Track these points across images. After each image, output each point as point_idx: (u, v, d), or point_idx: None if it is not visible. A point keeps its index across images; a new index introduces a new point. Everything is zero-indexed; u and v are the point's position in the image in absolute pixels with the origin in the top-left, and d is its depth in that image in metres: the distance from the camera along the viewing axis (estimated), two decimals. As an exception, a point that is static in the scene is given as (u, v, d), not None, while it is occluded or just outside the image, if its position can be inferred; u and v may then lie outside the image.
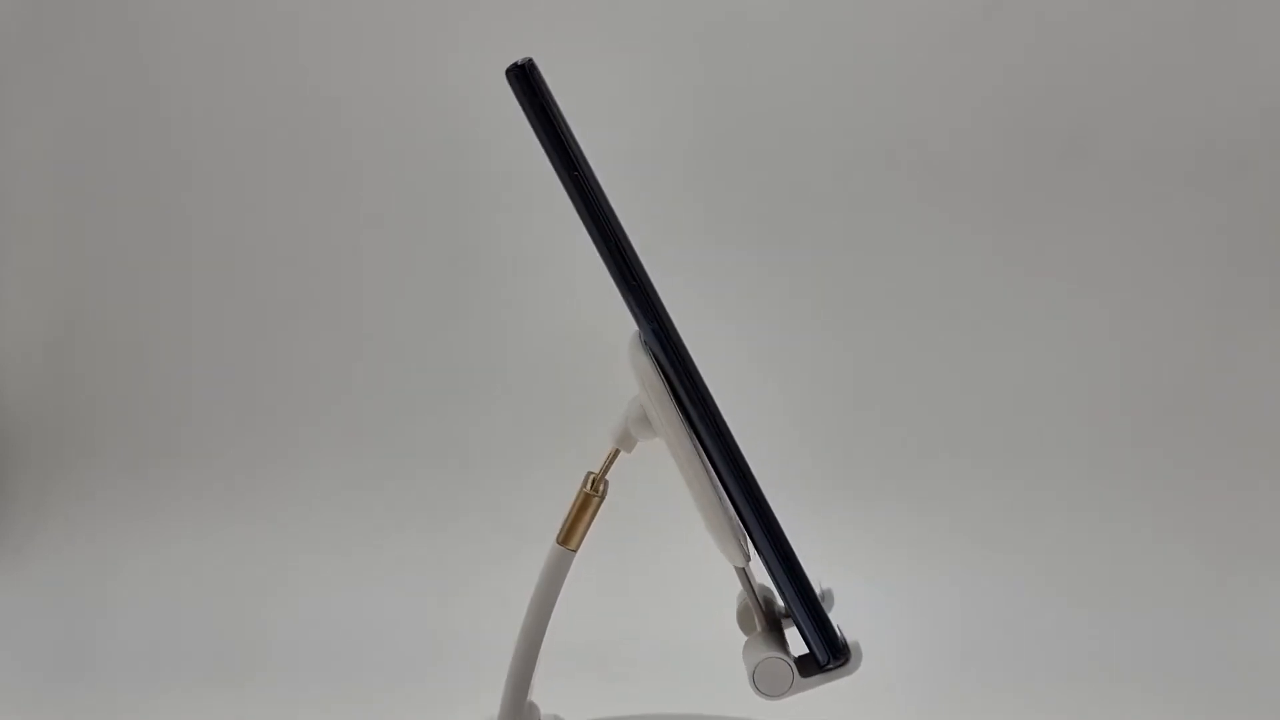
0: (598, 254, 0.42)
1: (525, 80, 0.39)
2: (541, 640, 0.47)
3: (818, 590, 0.44)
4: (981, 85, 0.94)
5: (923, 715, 0.73)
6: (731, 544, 0.42)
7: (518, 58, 0.40)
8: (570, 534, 0.46)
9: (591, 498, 0.46)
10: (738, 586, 0.47)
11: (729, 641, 0.49)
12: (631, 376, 0.43)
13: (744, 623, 0.49)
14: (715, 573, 0.53)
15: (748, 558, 0.43)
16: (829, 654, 0.42)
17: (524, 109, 0.40)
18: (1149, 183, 0.93)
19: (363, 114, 0.99)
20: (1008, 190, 0.94)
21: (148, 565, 0.93)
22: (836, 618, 0.45)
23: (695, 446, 0.42)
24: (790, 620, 0.46)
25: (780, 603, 0.46)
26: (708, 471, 0.42)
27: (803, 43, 0.96)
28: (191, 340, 1.00)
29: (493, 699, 0.71)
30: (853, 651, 0.42)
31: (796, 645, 0.46)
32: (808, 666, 0.43)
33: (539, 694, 0.50)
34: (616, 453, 0.45)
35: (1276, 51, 0.91)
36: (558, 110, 0.40)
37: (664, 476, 0.47)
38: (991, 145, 0.94)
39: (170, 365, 1.00)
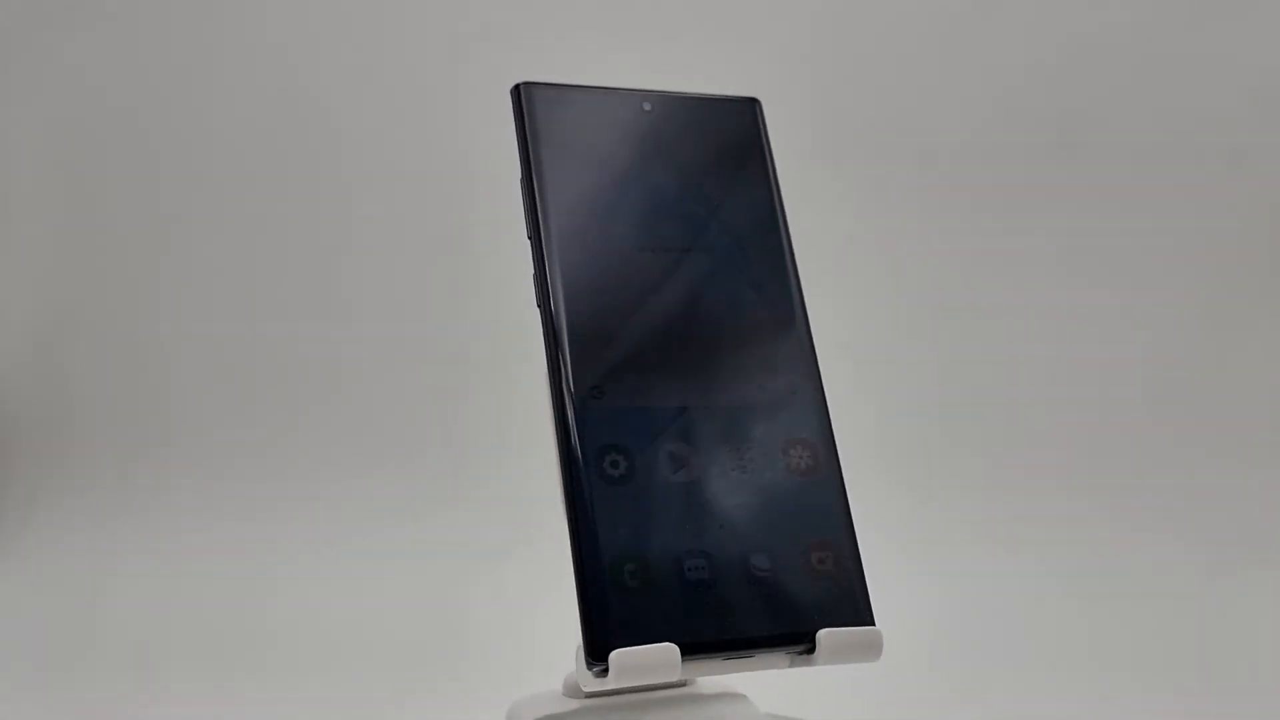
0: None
1: (514, 102, 0.47)
2: None
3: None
4: (974, 78, 0.94)
5: (913, 708, 0.72)
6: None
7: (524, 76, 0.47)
8: None
9: None
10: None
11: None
12: None
13: None
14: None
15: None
16: (589, 656, 0.38)
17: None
18: (1142, 175, 0.93)
19: (359, 107, 0.99)
20: (999, 182, 0.94)
21: (143, 558, 0.93)
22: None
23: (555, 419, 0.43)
24: None
25: None
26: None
27: (795, 38, 0.95)
28: (186, 332, 1.00)
29: (496, 692, 0.71)
30: (611, 666, 0.37)
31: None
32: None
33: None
34: None
35: (1271, 43, 0.91)
36: (526, 134, 0.46)
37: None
38: (982, 137, 0.94)
39: (165, 357, 1.00)
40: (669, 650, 0.37)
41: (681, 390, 0.43)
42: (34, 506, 0.98)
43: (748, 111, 0.50)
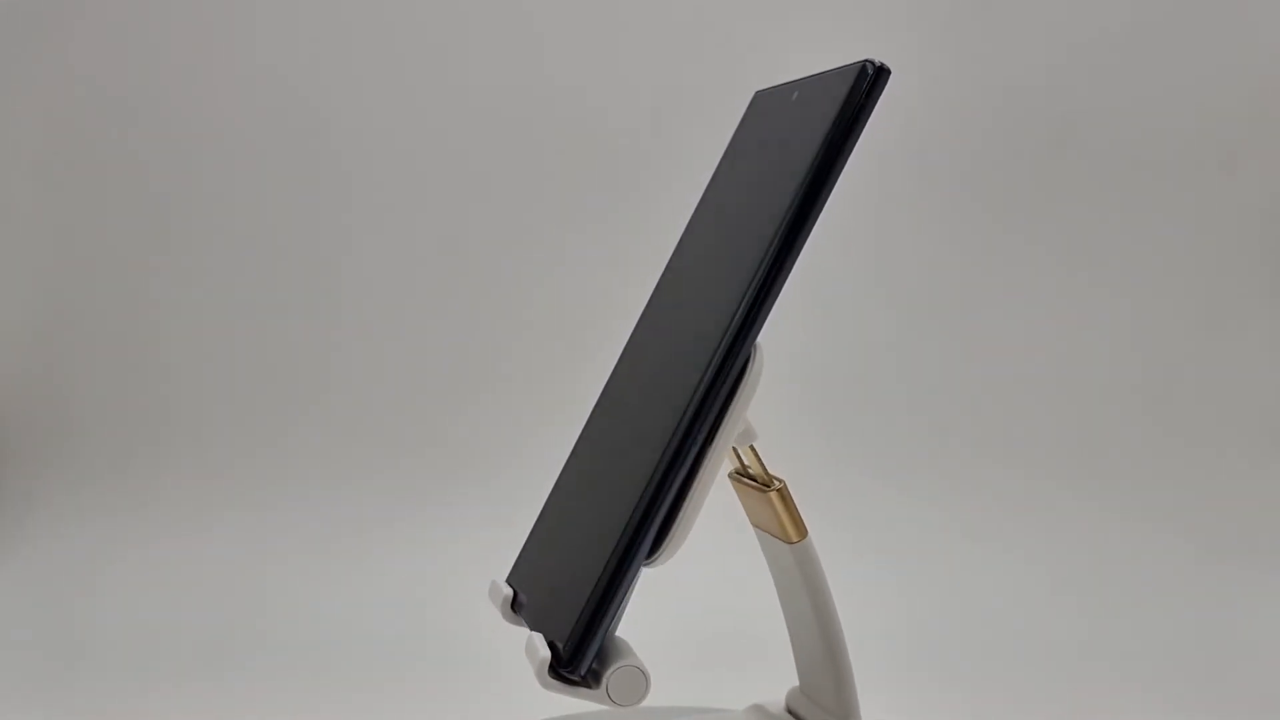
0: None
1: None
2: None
3: None
4: (972, 76, 0.94)
5: (909, 707, 0.72)
6: None
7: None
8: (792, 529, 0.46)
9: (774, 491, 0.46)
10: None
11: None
12: None
13: None
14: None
15: None
16: None
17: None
18: (1138, 174, 0.94)
19: (353, 106, 1.00)
20: (996, 182, 0.94)
21: (137, 557, 0.93)
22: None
23: None
24: None
25: None
26: None
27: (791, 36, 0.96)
28: (180, 331, 1.01)
29: (486, 694, 0.70)
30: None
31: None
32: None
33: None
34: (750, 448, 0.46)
35: (1266, 42, 0.92)
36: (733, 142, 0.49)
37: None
38: (979, 136, 0.95)
39: (159, 356, 1.01)
40: (502, 587, 0.46)
41: (617, 405, 0.48)
42: (30, 506, 0.98)
43: (840, 85, 0.38)
